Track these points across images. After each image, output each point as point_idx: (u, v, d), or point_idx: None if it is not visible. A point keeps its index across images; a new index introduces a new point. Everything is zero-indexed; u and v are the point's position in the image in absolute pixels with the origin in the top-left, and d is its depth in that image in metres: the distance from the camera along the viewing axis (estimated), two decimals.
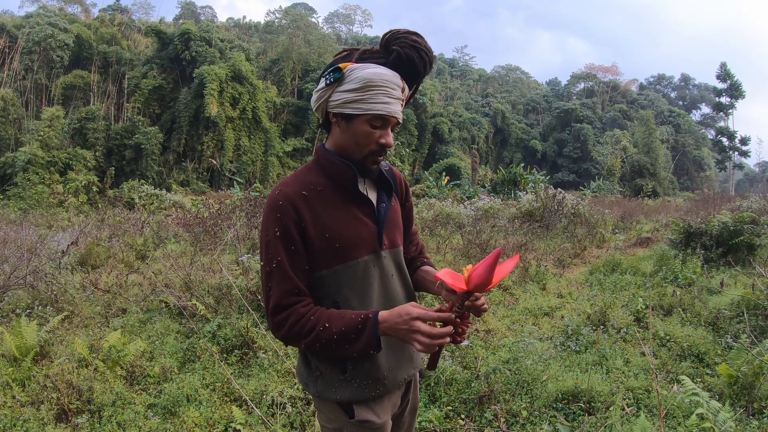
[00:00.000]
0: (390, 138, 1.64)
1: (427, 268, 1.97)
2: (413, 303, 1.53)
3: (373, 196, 1.77)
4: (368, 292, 1.68)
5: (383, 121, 1.60)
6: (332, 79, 1.60)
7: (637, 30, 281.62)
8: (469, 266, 1.47)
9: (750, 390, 3.93)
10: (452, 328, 1.50)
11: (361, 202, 1.71)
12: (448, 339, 1.49)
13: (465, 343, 5.09)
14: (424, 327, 1.47)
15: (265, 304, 1.65)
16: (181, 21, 55.83)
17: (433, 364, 1.62)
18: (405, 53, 1.57)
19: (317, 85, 1.68)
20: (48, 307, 6.11)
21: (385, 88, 1.57)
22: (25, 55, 39.64)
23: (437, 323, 1.53)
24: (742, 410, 3.77)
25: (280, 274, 1.60)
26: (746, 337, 4.74)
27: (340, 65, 1.60)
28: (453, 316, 1.51)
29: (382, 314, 1.53)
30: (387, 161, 1.91)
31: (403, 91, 1.62)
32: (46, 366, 4.58)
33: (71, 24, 42.98)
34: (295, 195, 1.63)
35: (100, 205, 24.77)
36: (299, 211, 1.61)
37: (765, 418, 3.66)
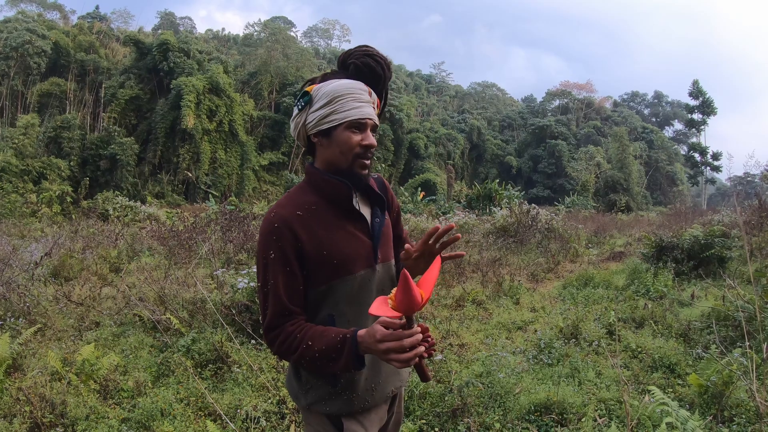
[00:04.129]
0: (371, 138, 1.71)
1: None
2: (382, 319, 1.50)
3: (366, 211, 1.82)
4: (363, 305, 1.70)
5: (359, 124, 1.69)
6: (303, 103, 1.72)
7: (610, 47, 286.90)
8: (393, 292, 1.47)
9: (719, 399, 4.03)
10: (420, 339, 1.48)
11: (355, 218, 1.77)
12: (422, 349, 1.48)
13: (439, 357, 5.13)
14: (393, 345, 1.45)
15: (262, 322, 1.72)
16: (159, 31, 55.54)
17: (423, 376, 1.63)
18: (361, 62, 1.71)
19: (292, 114, 1.78)
20: (20, 319, 6.03)
21: (352, 95, 1.67)
22: (1, 61, 39.23)
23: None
24: (711, 418, 3.86)
25: (273, 295, 1.66)
26: (716, 348, 4.85)
27: (307, 89, 1.72)
28: (414, 332, 1.47)
29: (360, 333, 1.54)
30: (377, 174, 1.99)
31: (370, 95, 1.72)
32: (19, 379, 4.52)
33: (49, 30, 42.62)
34: (291, 216, 1.68)
35: (73, 216, 24.46)
36: (295, 231, 1.66)
37: (734, 426, 3.76)
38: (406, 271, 1.37)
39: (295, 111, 1.76)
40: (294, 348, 1.62)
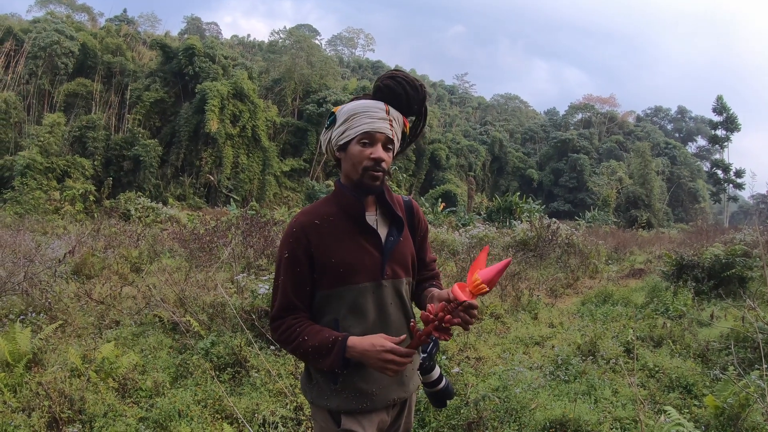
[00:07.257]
0: (379, 152, 1.83)
1: (432, 289, 2.11)
2: (383, 335, 1.75)
3: (383, 230, 1.95)
4: (365, 314, 1.86)
5: (370, 138, 1.82)
6: (329, 123, 1.90)
7: (632, 59, 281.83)
8: (477, 272, 1.65)
9: (735, 421, 3.98)
10: (414, 354, 1.75)
11: (368, 233, 1.90)
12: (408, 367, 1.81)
13: (455, 370, 5.14)
14: (396, 358, 1.70)
15: (270, 312, 1.93)
16: (186, 36, 56.05)
17: None
18: (383, 83, 1.85)
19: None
20: (42, 314, 6.13)
21: (366, 112, 1.82)
22: (30, 60, 39.68)
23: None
24: None
25: (281, 290, 1.87)
26: (733, 369, 4.79)
27: (333, 110, 1.90)
28: (415, 352, 1.75)
29: (353, 340, 1.75)
30: (409, 196, 2.11)
31: (388, 112, 1.84)
32: (39, 373, 4.59)
33: (77, 32, 43.03)
34: (308, 223, 1.88)
35: (95, 215, 24.75)
36: (309, 237, 1.86)
37: None
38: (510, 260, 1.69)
39: (324, 129, 1.94)
40: (292, 339, 1.83)
